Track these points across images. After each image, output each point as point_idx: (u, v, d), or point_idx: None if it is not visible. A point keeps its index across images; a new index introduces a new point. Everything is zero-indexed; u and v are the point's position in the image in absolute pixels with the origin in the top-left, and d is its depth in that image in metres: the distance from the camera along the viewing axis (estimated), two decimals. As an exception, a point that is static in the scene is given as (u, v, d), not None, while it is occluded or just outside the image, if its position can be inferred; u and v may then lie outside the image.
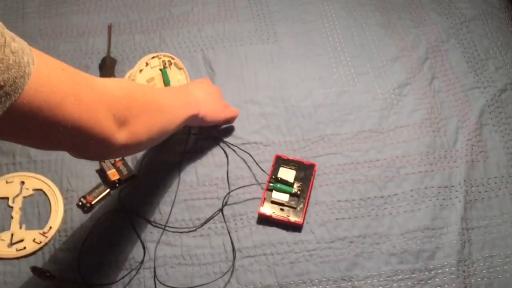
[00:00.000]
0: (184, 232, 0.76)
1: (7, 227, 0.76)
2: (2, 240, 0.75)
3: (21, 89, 0.40)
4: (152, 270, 0.73)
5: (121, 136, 0.54)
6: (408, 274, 0.73)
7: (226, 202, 0.78)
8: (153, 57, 0.85)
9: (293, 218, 0.76)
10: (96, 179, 0.81)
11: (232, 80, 0.92)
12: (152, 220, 0.77)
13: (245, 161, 0.82)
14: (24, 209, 0.78)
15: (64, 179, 0.80)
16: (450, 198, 0.79)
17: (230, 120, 0.84)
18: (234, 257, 0.74)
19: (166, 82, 0.85)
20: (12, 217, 0.77)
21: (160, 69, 0.86)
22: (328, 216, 0.78)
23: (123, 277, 0.72)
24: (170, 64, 0.87)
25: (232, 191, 0.79)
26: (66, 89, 0.46)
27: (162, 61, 0.86)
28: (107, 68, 0.89)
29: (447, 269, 0.73)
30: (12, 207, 0.78)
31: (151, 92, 0.66)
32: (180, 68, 0.88)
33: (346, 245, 0.75)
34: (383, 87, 0.91)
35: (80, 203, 0.77)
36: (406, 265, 0.73)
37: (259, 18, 1.00)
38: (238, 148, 0.83)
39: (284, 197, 0.78)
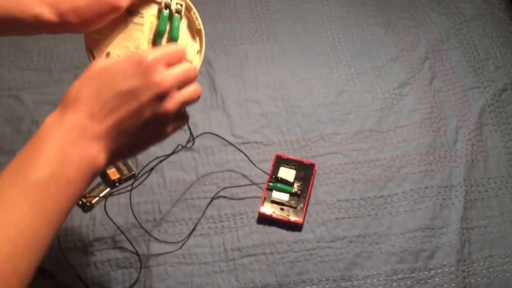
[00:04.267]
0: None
1: (7, 226, 0.76)
2: (2, 239, 0.74)
3: None
4: (152, 269, 0.73)
5: None
6: (407, 273, 0.73)
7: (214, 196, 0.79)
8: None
9: (293, 218, 0.76)
10: (96, 179, 0.80)
11: (232, 80, 0.92)
12: (152, 219, 0.77)
13: (245, 161, 0.82)
14: (24, 208, 0.78)
15: (64, 178, 0.80)
16: (450, 198, 0.79)
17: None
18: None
19: (172, 36, 0.51)
20: (12, 216, 0.77)
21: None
22: (328, 216, 0.78)
23: (122, 276, 0.72)
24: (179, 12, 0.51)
25: (223, 189, 0.79)
26: None
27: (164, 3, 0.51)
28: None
29: (446, 269, 0.73)
30: (12, 206, 0.78)
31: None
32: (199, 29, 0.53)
33: (345, 245, 0.75)
34: (383, 86, 0.91)
35: (80, 202, 0.77)
36: (406, 265, 0.73)
37: (259, 18, 1.00)
38: (239, 146, 0.83)
39: (284, 197, 0.78)
